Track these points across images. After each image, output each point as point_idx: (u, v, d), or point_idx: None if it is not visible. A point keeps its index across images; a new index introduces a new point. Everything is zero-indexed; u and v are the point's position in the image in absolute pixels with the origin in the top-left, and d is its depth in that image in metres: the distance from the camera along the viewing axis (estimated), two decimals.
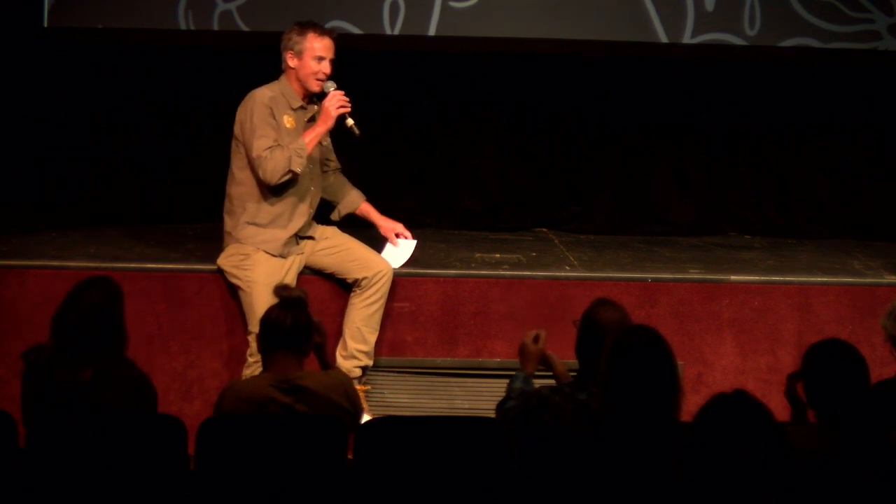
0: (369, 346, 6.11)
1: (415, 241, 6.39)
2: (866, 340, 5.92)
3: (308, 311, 4.63)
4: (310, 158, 6.04)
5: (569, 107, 7.52)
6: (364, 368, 6.13)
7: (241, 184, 6.08)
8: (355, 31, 6.97)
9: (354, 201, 6.40)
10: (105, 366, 4.47)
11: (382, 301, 6.13)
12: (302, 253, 6.15)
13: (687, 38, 7.13)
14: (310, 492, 4.09)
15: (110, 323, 4.56)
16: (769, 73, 7.46)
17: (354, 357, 6.09)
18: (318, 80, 6.03)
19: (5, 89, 7.02)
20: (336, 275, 6.19)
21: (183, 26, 6.98)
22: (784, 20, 7.15)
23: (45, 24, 6.94)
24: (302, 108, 6.10)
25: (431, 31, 7.08)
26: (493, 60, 7.37)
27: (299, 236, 6.15)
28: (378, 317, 6.13)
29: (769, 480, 3.21)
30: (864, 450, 3.83)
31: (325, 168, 6.33)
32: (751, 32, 7.13)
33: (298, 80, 6.05)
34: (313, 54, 6.01)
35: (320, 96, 6.09)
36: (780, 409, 3.38)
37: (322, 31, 6.06)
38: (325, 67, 6.02)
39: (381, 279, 6.10)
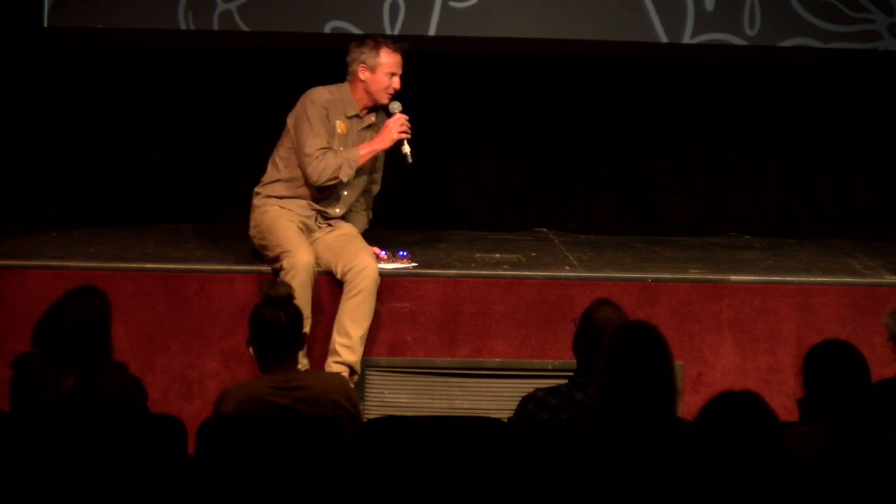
0: (351, 340, 6.01)
1: (411, 265, 6.40)
2: (866, 340, 5.91)
3: (295, 303, 4.61)
4: (358, 169, 6.20)
5: (569, 107, 7.52)
6: (349, 366, 6.01)
7: (278, 169, 6.25)
8: (355, 31, 6.97)
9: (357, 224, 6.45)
10: (92, 372, 4.47)
11: (365, 295, 6.04)
12: (316, 239, 6.22)
13: (687, 38, 7.13)
14: (310, 492, 4.09)
15: (97, 331, 4.55)
16: (769, 73, 7.46)
17: (335, 351, 6.01)
18: (388, 93, 6.21)
19: (5, 89, 7.02)
20: (329, 270, 6.17)
21: (183, 26, 6.98)
22: (784, 20, 7.15)
23: (45, 24, 6.94)
24: (357, 116, 6.25)
25: (431, 31, 7.08)
26: (493, 60, 7.37)
27: (324, 216, 6.26)
28: (362, 311, 6.04)
29: (769, 480, 3.21)
30: (864, 450, 3.83)
31: (369, 187, 6.47)
32: (751, 32, 7.14)
33: (368, 92, 6.22)
34: (386, 70, 6.18)
35: (380, 107, 6.26)
36: (780, 409, 3.37)
37: (394, 47, 6.22)
38: (396, 83, 6.21)
39: (361, 272, 6.03)
